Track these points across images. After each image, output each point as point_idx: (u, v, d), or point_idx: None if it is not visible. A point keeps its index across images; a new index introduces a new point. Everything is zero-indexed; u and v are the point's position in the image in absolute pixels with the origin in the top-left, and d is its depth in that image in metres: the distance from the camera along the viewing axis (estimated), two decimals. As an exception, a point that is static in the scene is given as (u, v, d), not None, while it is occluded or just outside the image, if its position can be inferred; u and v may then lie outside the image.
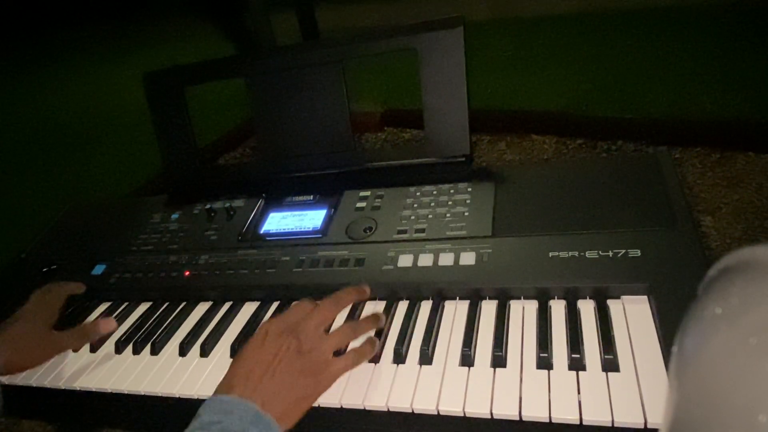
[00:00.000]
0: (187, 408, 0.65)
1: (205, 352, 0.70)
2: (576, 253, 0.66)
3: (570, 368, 0.56)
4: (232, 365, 0.57)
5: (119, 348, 0.75)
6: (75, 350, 0.76)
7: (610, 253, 0.65)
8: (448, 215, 0.78)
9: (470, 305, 0.66)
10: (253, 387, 0.53)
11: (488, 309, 0.66)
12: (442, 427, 0.55)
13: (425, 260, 0.72)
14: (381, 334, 0.65)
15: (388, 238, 0.77)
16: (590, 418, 0.50)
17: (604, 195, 0.74)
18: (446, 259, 0.71)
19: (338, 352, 0.61)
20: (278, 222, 0.87)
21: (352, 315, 0.70)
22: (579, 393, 0.53)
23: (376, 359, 0.62)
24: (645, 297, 0.62)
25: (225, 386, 0.54)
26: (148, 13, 2.18)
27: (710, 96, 1.93)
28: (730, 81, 1.88)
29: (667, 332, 0.56)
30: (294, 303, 0.64)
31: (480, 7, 2.12)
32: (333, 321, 0.66)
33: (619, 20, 1.97)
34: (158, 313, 0.80)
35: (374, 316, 0.65)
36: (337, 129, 0.90)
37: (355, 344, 0.62)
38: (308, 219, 0.85)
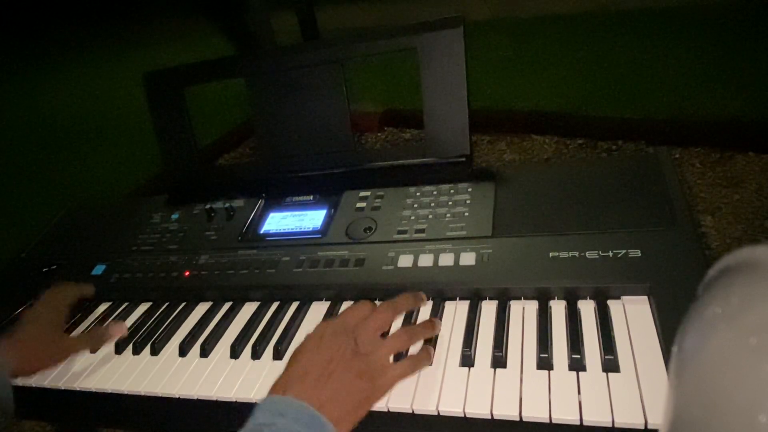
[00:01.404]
0: (187, 408, 0.65)
1: (205, 352, 0.70)
2: (576, 254, 0.66)
3: (570, 369, 0.56)
4: (288, 365, 0.55)
5: (119, 348, 0.75)
6: (92, 351, 0.76)
7: (611, 254, 0.65)
8: (448, 215, 0.78)
9: (470, 306, 0.66)
10: (310, 388, 0.51)
11: (488, 309, 0.66)
12: (442, 428, 0.55)
13: (425, 260, 0.72)
14: (435, 340, 0.63)
15: (388, 239, 0.77)
16: (590, 419, 0.50)
17: (604, 195, 0.74)
18: (446, 260, 0.71)
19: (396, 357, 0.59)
20: (278, 222, 0.87)
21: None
22: (579, 393, 0.53)
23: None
24: (645, 297, 0.62)
25: (280, 386, 0.52)
26: (148, 13, 2.18)
27: (710, 96, 1.93)
28: (730, 81, 1.88)
29: (667, 332, 0.56)
30: (351, 305, 0.61)
31: (480, 7, 2.12)
32: (390, 326, 0.64)
33: (619, 20, 1.97)
34: (158, 313, 0.80)
35: (430, 322, 0.63)
36: (337, 129, 0.90)
37: (411, 350, 0.61)
38: (308, 219, 0.85)
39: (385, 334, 0.61)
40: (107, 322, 0.79)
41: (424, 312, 0.68)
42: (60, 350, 0.72)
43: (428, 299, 0.69)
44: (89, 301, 0.85)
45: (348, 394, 0.52)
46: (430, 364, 0.60)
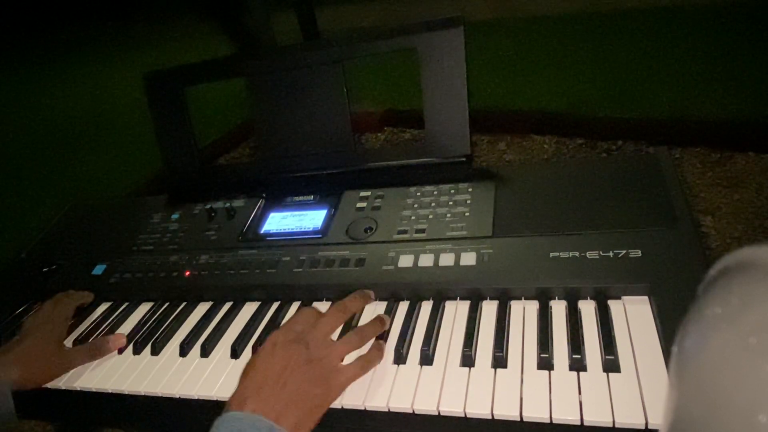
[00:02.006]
0: (187, 408, 0.65)
1: (205, 352, 0.70)
2: (576, 254, 0.66)
3: (571, 369, 0.56)
4: (242, 378, 0.56)
5: (119, 348, 0.74)
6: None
7: (611, 254, 0.65)
8: (448, 215, 0.78)
9: (471, 306, 0.66)
10: (266, 400, 0.53)
11: (489, 309, 0.66)
12: (442, 428, 0.55)
13: (426, 260, 0.72)
14: (385, 336, 0.65)
15: (388, 239, 0.77)
16: (591, 419, 0.50)
17: (605, 195, 0.74)
18: (447, 260, 0.71)
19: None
20: (278, 222, 0.87)
21: (351, 318, 0.69)
22: (580, 393, 0.53)
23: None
24: (645, 297, 0.62)
25: (237, 401, 0.53)
26: (148, 13, 2.18)
27: (710, 96, 1.93)
28: (730, 81, 1.89)
29: (668, 332, 0.56)
30: (297, 311, 0.64)
31: (480, 7, 2.12)
32: (340, 328, 0.65)
33: (619, 20, 1.97)
34: (158, 313, 0.80)
35: (379, 320, 0.65)
36: (337, 129, 0.90)
37: (362, 350, 0.62)
38: (308, 219, 0.85)
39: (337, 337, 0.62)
40: (105, 334, 0.78)
41: (425, 310, 0.68)
42: (61, 364, 0.72)
43: (429, 299, 0.69)
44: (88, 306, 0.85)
45: (303, 400, 0.54)
46: (381, 360, 0.61)
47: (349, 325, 0.67)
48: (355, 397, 0.58)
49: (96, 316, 0.83)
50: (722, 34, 1.81)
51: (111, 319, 0.81)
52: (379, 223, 0.80)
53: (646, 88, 2.02)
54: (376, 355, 0.61)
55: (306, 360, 0.57)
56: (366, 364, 0.60)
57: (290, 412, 0.53)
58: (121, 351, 0.75)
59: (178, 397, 0.66)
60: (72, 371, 0.73)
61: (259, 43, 2.39)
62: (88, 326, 0.80)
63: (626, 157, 1.85)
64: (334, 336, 0.64)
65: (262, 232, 0.86)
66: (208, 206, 0.93)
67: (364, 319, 0.68)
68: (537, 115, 2.24)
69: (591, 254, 0.65)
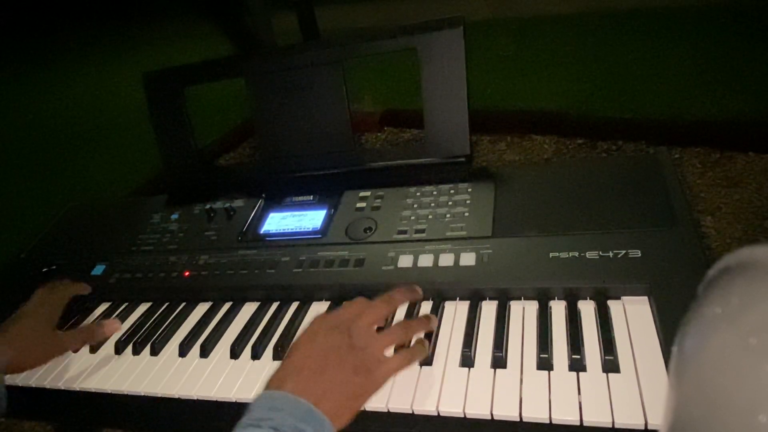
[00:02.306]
0: (187, 408, 0.65)
1: (205, 352, 0.70)
2: (576, 254, 0.66)
3: (570, 369, 0.56)
4: (284, 361, 0.55)
5: (119, 348, 0.74)
6: (75, 351, 0.76)
7: (611, 254, 0.65)
8: (448, 215, 0.78)
9: (470, 306, 0.66)
10: (305, 383, 0.51)
11: (488, 310, 0.66)
12: (442, 428, 0.55)
13: (425, 261, 0.72)
14: (432, 335, 0.64)
15: (388, 239, 0.77)
16: (591, 419, 0.50)
17: (604, 195, 0.74)
18: (446, 260, 0.71)
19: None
20: (278, 222, 0.87)
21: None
22: (579, 394, 0.53)
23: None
24: (645, 297, 0.62)
25: (276, 381, 0.52)
26: (148, 13, 2.18)
27: (710, 96, 1.93)
28: (730, 81, 1.88)
29: (668, 332, 0.56)
30: (346, 301, 0.62)
31: (480, 7, 2.12)
32: (385, 320, 0.64)
33: (619, 20, 1.97)
34: (158, 313, 0.80)
35: (426, 317, 0.63)
36: (337, 129, 0.90)
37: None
38: (308, 219, 0.85)
39: (383, 328, 0.61)
40: (96, 318, 0.79)
41: (425, 310, 0.68)
42: (52, 347, 0.72)
43: (429, 299, 0.69)
44: (84, 298, 0.85)
45: (343, 388, 0.52)
46: (426, 356, 0.60)
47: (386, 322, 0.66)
48: (354, 397, 0.58)
49: (96, 316, 0.83)
50: (722, 34, 1.81)
51: (110, 319, 0.81)
52: (379, 223, 0.80)
53: (646, 88, 2.02)
54: (420, 349, 0.59)
55: (348, 347, 0.55)
56: (410, 357, 0.58)
57: (329, 398, 0.51)
58: (120, 351, 0.74)
59: (177, 397, 0.66)
60: (72, 371, 0.73)
61: (259, 43, 2.38)
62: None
63: (626, 157, 1.85)
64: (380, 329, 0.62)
65: (261, 232, 0.86)
66: (208, 206, 0.93)
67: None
68: (537, 115, 2.24)
69: (591, 254, 0.65)
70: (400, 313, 0.68)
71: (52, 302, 0.76)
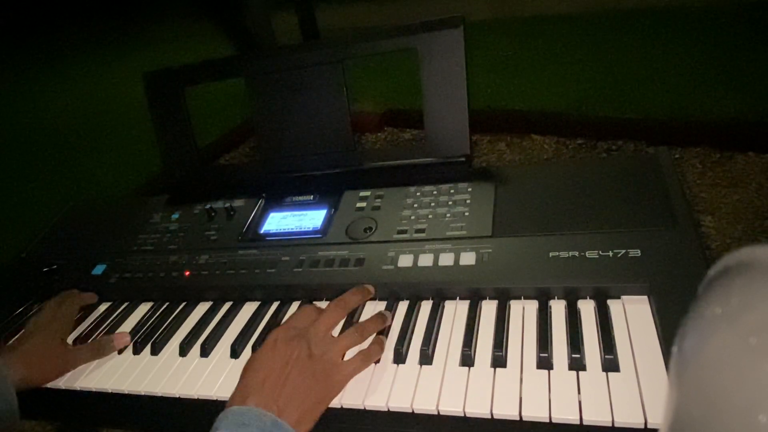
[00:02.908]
0: (187, 408, 0.65)
1: (205, 352, 0.70)
2: (576, 253, 0.66)
3: (570, 368, 0.56)
4: (243, 374, 0.57)
5: (121, 347, 0.74)
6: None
7: (611, 253, 0.65)
8: (448, 215, 0.78)
9: (470, 305, 0.66)
10: (268, 395, 0.53)
11: (488, 309, 0.66)
12: (442, 428, 0.55)
13: (425, 260, 0.72)
14: (385, 332, 0.66)
15: (388, 238, 0.77)
16: (590, 419, 0.50)
17: (604, 195, 0.74)
18: (446, 259, 0.71)
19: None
20: (278, 222, 0.87)
21: (353, 315, 0.69)
22: (579, 393, 0.53)
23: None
24: (645, 297, 0.62)
25: (239, 396, 0.54)
26: (148, 13, 2.18)
27: (710, 96, 1.93)
28: (730, 81, 1.88)
29: (667, 332, 0.56)
30: (298, 309, 0.64)
31: (480, 7, 2.12)
32: (340, 324, 0.66)
33: (619, 20, 1.97)
34: (158, 313, 0.80)
35: (379, 316, 0.65)
36: (337, 129, 0.90)
37: (362, 345, 0.63)
38: (308, 219, 0.85)
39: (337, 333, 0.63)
40: (105, 333, 0.78)
41: (425, 310, 0.68)
42: (65, 362, 0.71)
43: (429, 298, 0.69)
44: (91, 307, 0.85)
45: (305, 396, 0.55)
46: (381, 354, 0.62)
47: (350, 322, 0.67)
48: (354, 396, 0.58)
49: (96, 316, 0.83)
50: (722, 34, 1.81)
51: (111, 319, 0.81)
52: (379, 223, 0.80)
53: (646, 88, 2.02)
54: (376, 349, 0.61)
55: (307, 356, 0.57)
56: (366, 358, 0.60)
57: (292, 408, 0.53)
58: (120, 351, 0.75)
59: (177, 397, 0.66)
60: (72, 371, 0.73)
61: (259, 43, 2.39)
62: (89, 326, 0.80)
63: (626, 157, 1.85)
64: (335, 332, 0.64)
65: (261, 232, 0.86)
66: (208, 206, 0.93)
67: (365, 316, 0.69)
68: (537, 115, 2.24)
69: (590, 254, 0.65)
70: (400, 313, 0.68)
71: (63, 316, 0.75)
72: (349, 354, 0.62)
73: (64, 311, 0.76)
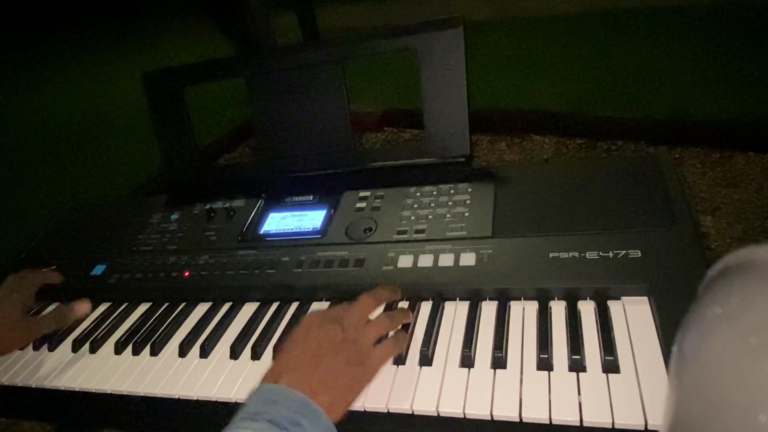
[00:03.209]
0: (186, 409, 0.65)
1: (204, 352, 0.70)
2: (576, 254, 0.66)
3: (570, 369, 0.56)
4: (279, 355, 0.56)
5: (119, 348, 0.74)
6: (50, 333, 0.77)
7: (611, 254, 0.65)
8: (448, 216, 0.78)
9: (470, 306, 0.66)
10: (301, 376, 0.52)
11: (488, 310, 0.66)
12: (442, 429, 0.55)
13: (425, 261, 0.72)
14: (408, 327, 0.66)
15: (388, 239, 0.77)
16: (591, 420, 0.50)
17: (604, 195, 0.74)
18: (446, 260, 0.71)
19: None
20: (278, 222, 0.87)
21: None
22: (579, 394, 0.53)
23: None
24: (645, 298, 0.62)
25: (272, 375, 0.54)
26: (148, 13, 2.18)
27: (710, 96, 1.93)
28: (730, 81, 1.88)
29: (668, 333, 0.56)
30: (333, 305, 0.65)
31: (480, 7, 2.12)
32: (372, 313, 0.65)
33: (619, 20, 1.97)
34: (158, 313, 0.80)
35: (406, 310, 0.67)
36: (337, 129, 0.90)
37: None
38: (308, 219, 0.85)
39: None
40: (105, 334, 0.79)
41: (425, 310, 0.68)
42: (26, 332, 0.74)
43: (429, 299, 0.70)
44: (55, 287, 0.86)
45: (338, 380, 0.54)
46: (408, 342, 0.63)
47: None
48: (354, 397, 0.58)
49: (96, 316, 0.83)
50: (722, 34, 1.81)
51: (110, 319, 0.81)
52: (379, 224, 0.80)
53: (646, 88, 2.02)
54: (404, 336, 0.62)
55: (342, 340, 0.56)
56: (396, 344, 0.61)
57: (325, 391, 0.52)
58: (120, 351, 0.74)
59: (177, 397, 0.66)
60: (72, 371, 0.73)
61: (259, 43, 2.38)
62: (88, 326, 0.80)
63: (626, 157, 1.85)
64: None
65: (261, 232, 0.86)
66: (208, 206, 0.93)
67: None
68: (537, 115, 2.24)
69: (590, 254, 0.65)
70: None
71: (23, 288, 0.79)
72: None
73: (23, 284, 0.79)
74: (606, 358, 0.55)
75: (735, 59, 1.83)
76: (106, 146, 2.06)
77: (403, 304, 0.70)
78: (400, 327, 0.65)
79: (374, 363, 0.58)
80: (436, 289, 0.69)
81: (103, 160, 2.03)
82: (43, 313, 0.84)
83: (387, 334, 0.62)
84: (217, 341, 0.72)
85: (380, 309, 0.67)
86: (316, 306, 0.74)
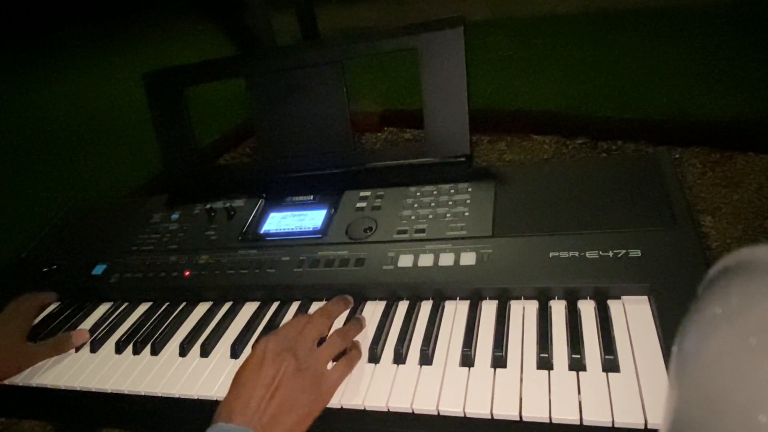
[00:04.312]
0: (187, 408, 0.65)
1: (205, 352, 0.70)
2: (576, 254, 0.66)
3: (570, 368, 0.56)
4: (231, 389, 0.57)
5: (119, 348, 0.75)
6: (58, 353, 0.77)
7: (611, 254, 0.65)
8: (448, 215, 0.78)
9: (470, 305, 0.66)
10: (253, 412, 0.53)
11: (488, 309, 0.66)
12: (442, 428, 0.55)
13: (425, 260, 0.72)
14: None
15: (388, 238, 0.77)
16: (590, 419, 0.50)
17: (604, 195, 0.74)
18: (446, 260, 0.71)
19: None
20: (278, 222, 0.87)
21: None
22: (579, 393, 0.53)
23: (375, 360, 0.62)
24: (645, 297, 0.62)
25: (225, 413, 0.54)
26: (148, 13, 2.18)
27: (710, 96, 1.93)
28: (730, 81, 1.88)
29: (668, 332, 0.56)
30: (288, 321, 0.64)
31: (480, 7, 2.12)
32: (326, 334, 0.66)
33: (619, 20, 1.97)
34: (158, 313, 0.80)
35: (356, 321, 0.67)
36: (337, 129, 0.90)
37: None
38: (308, 219, 0.85)
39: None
40: (105, 333, 0.79)
41: (425, 310, 0.68)
42: (25, 358, 0.74)
43: (429, 299, 0.70)
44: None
45: (293, 410, 0.55)
46: (360, 357, 0.63)
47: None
48: (354, 397, 0.58)
49: (96, 316, 0.83)
50: (722, 34, 1.81)
51: (111, 319, 0.81)
52: (379, 223, 0.80)
53: (646, 88, 2.02)
54: (356, 354, 0.63)
55: (295, 369, 0.57)
56: (349, 363, 0.61)
57: (279, 425, 0.53)
58: (120, 350, 0.74)
59: (177, 397, 0.66)
60: (72, 371, 0.73)
61: (259, 43, 2.38)
62: (89, 326, 0.80)
63: (626, 157, 1.85)
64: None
65: (261, 232, 0.86)
66: (208, 206, 0.93)
67: (366, 315, 0.69)
68: (537, 115, 2.24)
69: (591, 254, 0.65)
70: (400, 313, 0.68)
71: (22, 314, 0.78)
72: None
73: (22, 310, 0.79)
74: (606, 357, 0.55)
75: (735, 59, 1.83)
76: (106, 146, 2.06)
77: (404, 305, 0.70)
78: (356, 338, 0.65)
79: (329, 387, 0.59)
80: (437, 289, 0.69)
81: (103, 160, 2.03)
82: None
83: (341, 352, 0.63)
84: (218, 341, 0.72)
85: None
86: (316, 306, 0.74)
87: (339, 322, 0.69)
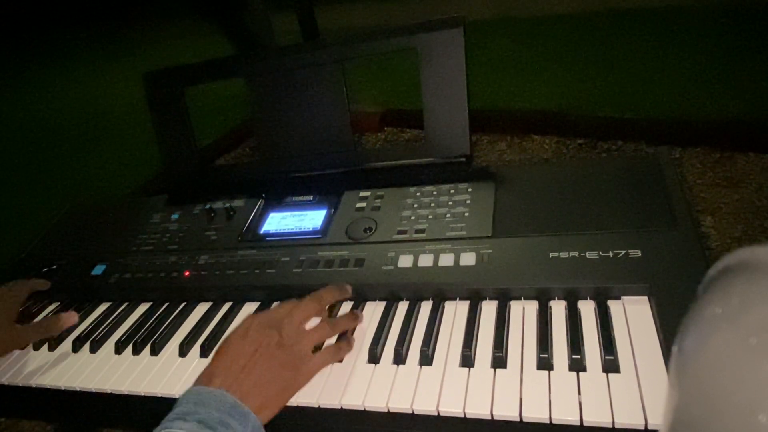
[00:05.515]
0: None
1: (205, 352, 0.70)
2: (576, 254, 0.66)
3: (570, 369, 0.56)
4: (214, 358, 0.58)
5: (119, 348, 0.74)
6: (48, 339, 0.78)
7: (611, 254, 0.65)
8: (448, 215, 0.78)
9: (470, 306, 0.66)
10: (233, 378, 0.55)
11: (488, 310, 0.66)
12: (442, 428, 0.55)
13: (425, 261, 0.72)
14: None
15: (388, 239, 0.77)
16: (591, 419, 0.50)
17: (604, 195, 0.74)
18: (446, 260, 0.71)
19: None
20: (278, 222, 0.87)
21: (330, 311, 0.70)
22: (579, 394, 0.53)
23: (375, 360, 0.62)
24: (645, 298, 0.62)
25: (205, 377, 0.56)
26: (148, 13, 2.18)
27: (710, 96, 1.93)
28: (730, 81, 1.88)
29: (668, 333, 0.56)
30: (276, 303, 0.65)
31: (480, 7, 2.12)
32: (314, 318, 0.66)
33: (619, 20, 1.97)
34: (158, 313, 0.80)
35: (351, 314, 0.67)
36: (337, 129, 0.90)
37: (331, 341, 0.64)
38: (308, 219, 0.85)
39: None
40: (105, 334, 0.79)
41: (425, 310, 0.68)
42: (12, 340, 0.76)
43: (428, 299, 0.69)
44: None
45: (271, 383, 0.56)
46: (350, 350, 0.63)
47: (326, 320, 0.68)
48: (354, 397, 0.58)
49: (96, 316, 0.83)
50: (722, 34, 1.81)
51: (110, 319, 0.81)
52: (379, 224, 0.80)
53: (646, 88, 2.02)
54: (344, 346, 0.63)
55: (277, 344, 0.58)
56: (334, 353, 0.62)
57: (256, 394, 0.54)
58: (120, 350, 0.74)
59: (177, 397, 0.66)
60: (72, 371, 0.73)
61: (259, 43, 2.38)
62: (88, 326, 0.80)
63: (626, 157, 1.85)
64: (309, 326, 0.65)
65: (261, 232, 0.86)
66: (208, 206, 0.93)
67: (364, 316, 0.69)
68: (537, 115, 2.24)
69: (591, 254, 0.65)
70: (400, 313, 0.68)
71: (10, 298, 0.79)
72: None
73: (10, 295, 0.80)
74: (606, 357, 0.55)
75: (735, 59, 1.83)
76: (106, 146, 2.07)
77: (404, 305, 0.70)
78: (349, 331, 0.66)
79: (310, 369, 0.60)
80: (437, 289, 0.69)
81: (104, 160, 2.04)
82: (35, 319, 0.84)
83: (327, 340, 0.64)
84: (218, 341, 0.72)
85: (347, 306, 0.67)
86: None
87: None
